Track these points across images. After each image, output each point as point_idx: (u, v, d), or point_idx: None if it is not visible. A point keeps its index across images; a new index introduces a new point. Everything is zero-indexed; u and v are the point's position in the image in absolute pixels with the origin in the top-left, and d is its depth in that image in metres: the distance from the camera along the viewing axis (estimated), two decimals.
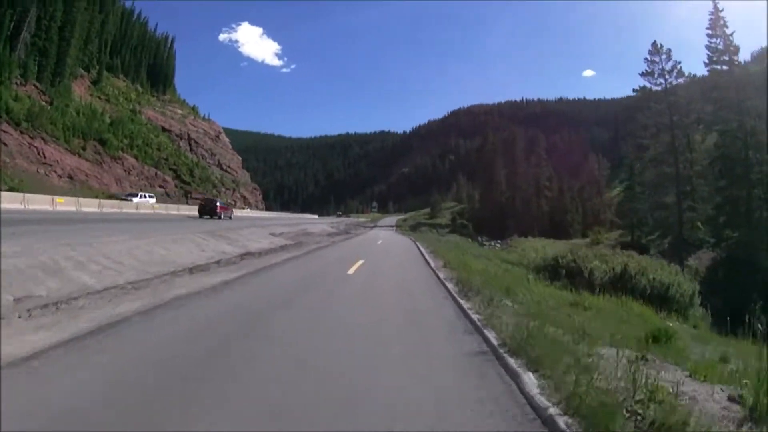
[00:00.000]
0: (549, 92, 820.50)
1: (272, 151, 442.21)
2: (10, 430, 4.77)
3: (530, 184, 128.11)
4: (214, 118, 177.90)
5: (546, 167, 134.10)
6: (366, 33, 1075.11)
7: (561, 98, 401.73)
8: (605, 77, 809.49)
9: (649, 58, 73.72)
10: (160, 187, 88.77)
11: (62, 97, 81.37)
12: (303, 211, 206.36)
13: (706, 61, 70.88)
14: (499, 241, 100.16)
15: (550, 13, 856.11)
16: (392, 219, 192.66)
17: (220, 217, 54.90)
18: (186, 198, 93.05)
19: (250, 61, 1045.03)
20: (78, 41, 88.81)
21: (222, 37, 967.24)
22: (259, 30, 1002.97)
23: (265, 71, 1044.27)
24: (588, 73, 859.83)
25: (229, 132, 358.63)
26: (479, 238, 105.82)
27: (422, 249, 40.74)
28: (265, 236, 35.31)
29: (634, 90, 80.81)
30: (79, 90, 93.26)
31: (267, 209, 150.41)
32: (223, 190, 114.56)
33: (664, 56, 73.92)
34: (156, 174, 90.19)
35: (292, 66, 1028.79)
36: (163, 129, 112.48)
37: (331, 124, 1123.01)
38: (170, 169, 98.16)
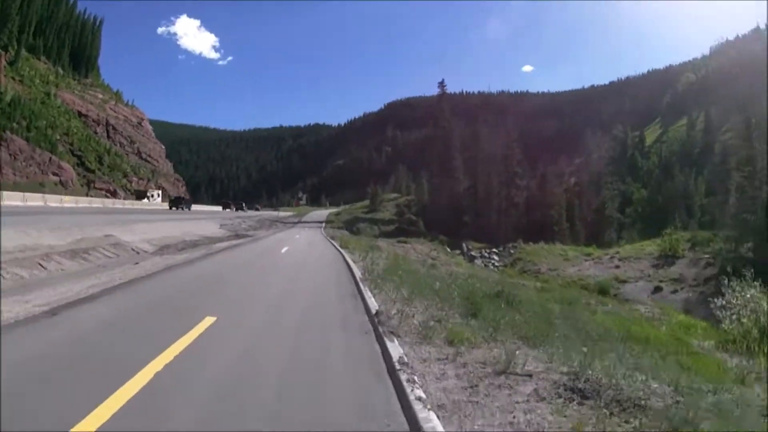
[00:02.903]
0: (488, 86, 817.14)
1: (206, 143, 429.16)
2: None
3: (497, 170, 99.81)
4: (150, 110, 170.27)
5: (516, 151, 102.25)
6: (302, 26, 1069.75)
7: (503, 91, 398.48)
8: (544, 72, 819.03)
9: None
10: (54, 174, 76.77)
11: None
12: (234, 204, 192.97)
13: None
14: (494, 251, 74.35)
15: (488, 8, 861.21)
16: (324, 213, 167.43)
17: None
18: (88, 187, 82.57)
19: (188, 53, 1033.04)
20: None
21: (160, 30, 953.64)
22: (196, 22, 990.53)
23: (202, 64, 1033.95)
24: (527, 68, 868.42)
25: (163, 124, 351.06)
26: (465, 247, 78.31)
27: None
28: None
29: None
30: None
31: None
32: (136, 179, 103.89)
33: None
34: (50, 160, 77.06)
35: (229, 58, 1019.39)
36: (80, 114, 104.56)
37: (265, 116, 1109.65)
38: (74, 155, 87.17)
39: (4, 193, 49.81)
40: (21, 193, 53.34)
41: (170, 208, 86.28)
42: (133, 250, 25.13)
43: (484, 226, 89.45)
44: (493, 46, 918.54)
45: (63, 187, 75.11)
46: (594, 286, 41.26)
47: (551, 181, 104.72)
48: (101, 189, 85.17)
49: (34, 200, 53.52)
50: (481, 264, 63.27)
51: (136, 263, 20.31)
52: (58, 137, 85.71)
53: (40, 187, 67.52)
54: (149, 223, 37.64)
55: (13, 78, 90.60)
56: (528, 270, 55.52)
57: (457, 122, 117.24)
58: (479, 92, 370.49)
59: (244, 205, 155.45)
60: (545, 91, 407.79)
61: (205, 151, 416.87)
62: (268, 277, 18.83)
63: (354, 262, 25.37)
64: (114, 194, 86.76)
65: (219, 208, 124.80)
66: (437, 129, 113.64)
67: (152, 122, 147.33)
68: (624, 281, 44.26)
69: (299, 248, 37.62)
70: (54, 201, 57.32)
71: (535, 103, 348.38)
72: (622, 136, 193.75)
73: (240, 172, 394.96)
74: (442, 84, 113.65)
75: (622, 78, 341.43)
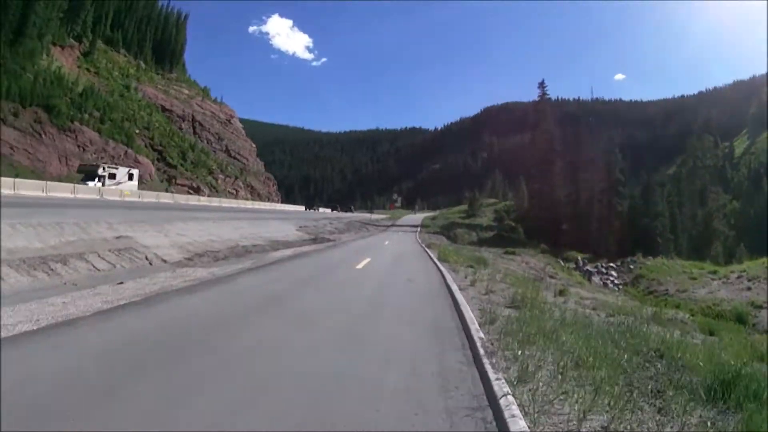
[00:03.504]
0: (583, 93, 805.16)
1: (299, 144, 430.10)
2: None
3: (599, 177, 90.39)
4: (243, 109, 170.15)
5: (618, 157, 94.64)
6: (398, 28, 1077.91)
7: (597, 99, 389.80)
8: (635, 81, 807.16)
9: None
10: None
11: (23, 60, 67.13)
12: (329, 206, 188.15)
13: None
14: (611, 266, 63.75)
15: (583, 15, 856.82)
16: (418, 217, 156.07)
17: None
18: (168, 183, 78.34)
19: (281, 53, 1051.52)
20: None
21: (251, 29, 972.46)
22: (289, 22, 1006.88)
23: (296, 64, 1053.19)
24: (619, 76, 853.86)
25: (256, 124, 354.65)
26: (580, 261, 69.24)
27: None
28: None
29: None
30: (66, 60, 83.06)
31: (282, 202, 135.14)
32: (222, 177, 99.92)
33: None
34: (126, 153, 72.93)
35: (323, 59, 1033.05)
36: (163, 108, 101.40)
37: (360, 119, 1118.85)
38: (154, 150, 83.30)
39: (50, 183, 45.21)
40: (71, 185, 47.51)
41: (306, 209, 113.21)
42: (146, 258, 17.91)
43: (584, 235, 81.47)
44: (588, 53, 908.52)
45: (140, 182, 69.75)
46: (730, 313, 32.94)
47: (654, 190, 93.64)
48: (183, 185, 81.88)
49: (89, 193, 47.78)
50: (599, 282, 53.92)
51: (120, 283, 12.96)
52: (137, 131, 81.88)
53: None
54: (205, 222, 30.48)
55: (87, 70, 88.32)
56: (654, 291, 46.95)
57: (554, 128, 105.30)
58: (574, 99, 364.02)
59: (352, 207, 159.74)
60: (638, 99, 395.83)
61: (298, 151, 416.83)
62: (305, 333, 9.21)
63: (461, 288, 16.25)
64: (197, 191, 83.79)
65: (328, 210, 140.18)
66: (537, 132, 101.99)
67: (245, 121, 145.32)
68: (759, 307, 34.95)
69: (384, 261, 27.15)
70: (114, 195, 51.22)
71: (627, 112, 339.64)
72: (712, 147, 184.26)
73: (334, 174, 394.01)
74: (542, 85, 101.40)
75: (710, 88, 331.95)
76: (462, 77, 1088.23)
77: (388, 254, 32.73)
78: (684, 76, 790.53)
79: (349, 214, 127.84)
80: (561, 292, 21.80)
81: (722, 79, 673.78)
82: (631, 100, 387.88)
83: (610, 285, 52.85)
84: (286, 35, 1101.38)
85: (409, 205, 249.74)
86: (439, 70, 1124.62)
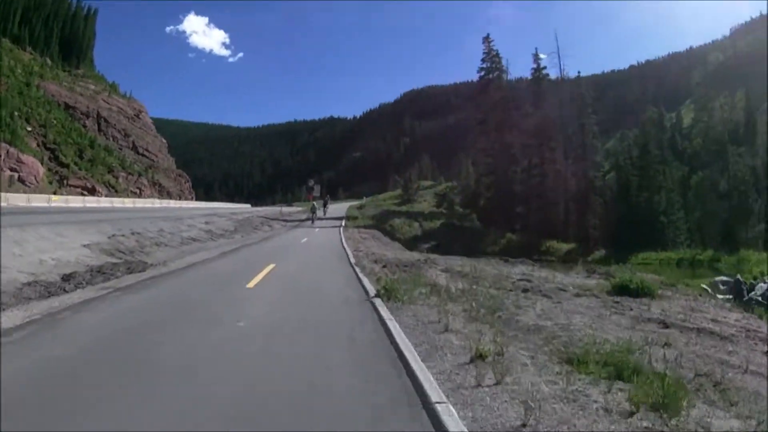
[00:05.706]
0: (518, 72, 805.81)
1: (220, 141, 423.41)
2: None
3: (568, 146, 75.75)
4: (166, 110, 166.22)
5: (592, 119, 79.93)
6: (312, 18, 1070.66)
7: (521, 78, 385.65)
8: (554, 60, 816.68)
9: None
10: (12, 170, 63.17)
11: None
12: (248, 201, 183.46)
13: None
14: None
15: None
16: (342, 207, 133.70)
17: None
18: (60, 185, 71.86)
19: (198, 51, 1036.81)
20: None
21: (168, 29, 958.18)
22: (204, 19, 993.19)
23: (213, 61, 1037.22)
24: (541, 56, 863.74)
25: (176, 123, 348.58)
26: (742, 285, 30.74)
27: None
28: None
29: None
30: None
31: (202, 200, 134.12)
32: (124, 175, 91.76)
33: None
34: (8, 152, 63.46)
35: (240, 54, 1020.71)
36: (66, 105, 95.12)
37: (279, 112, 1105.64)
38: (47, 148, 76.14)
39: None
40: None
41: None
42: None
43: (553, 218, 69.07)
44: (506, 33, 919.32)
45: (23, 184, 63.87)
46: None
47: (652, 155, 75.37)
48: (76, 186, 73.55)
49: None
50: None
51: None
52: (29, 129, 74.95)
53: None
54: None
55: None
56: None
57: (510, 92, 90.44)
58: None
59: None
60: (566, 76, 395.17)
61: (219, 148, 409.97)
62: None
63: None
64: (92, 191, 75.59)
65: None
66: (489, 94, 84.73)
67: (166, 121, 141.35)
68: None
69: None
70: None
71: (553, 91, 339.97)
72: (656, 118, 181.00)
73: (254, 168, 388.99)
74: (487, 39, 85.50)
75: (642, 62, 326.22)
76: (379, 64, 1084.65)
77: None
78: (613, 51, 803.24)
79: (259, 209, 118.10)
80: None
81: (655, 53, 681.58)
82: (555, 77, 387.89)
83: None
84: (202, 32, 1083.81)
85: (332, 195, 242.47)
86: (355, 58, 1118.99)
